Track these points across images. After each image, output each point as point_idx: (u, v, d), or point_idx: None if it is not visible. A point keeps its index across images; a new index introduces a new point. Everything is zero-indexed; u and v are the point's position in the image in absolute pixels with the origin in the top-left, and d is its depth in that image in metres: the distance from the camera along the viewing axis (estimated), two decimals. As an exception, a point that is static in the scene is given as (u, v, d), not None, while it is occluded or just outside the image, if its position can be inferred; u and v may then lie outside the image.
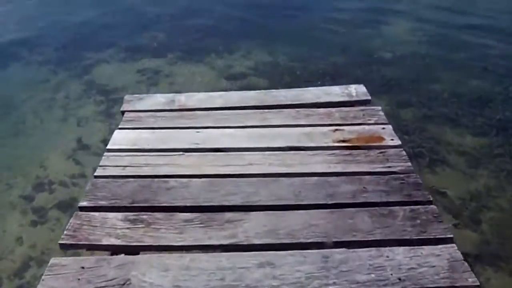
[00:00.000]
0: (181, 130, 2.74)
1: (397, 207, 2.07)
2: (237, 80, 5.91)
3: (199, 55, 6.74)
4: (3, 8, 9.01)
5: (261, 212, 2.06)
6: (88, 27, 7.86)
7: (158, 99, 3.11)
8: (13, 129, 5.15)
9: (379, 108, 2.95)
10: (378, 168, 2.35)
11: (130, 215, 2.05)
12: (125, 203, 2.13)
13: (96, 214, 2.06)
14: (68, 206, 3.75)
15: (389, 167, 2.35)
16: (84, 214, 2.06)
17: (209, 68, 6.32)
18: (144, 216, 2.04)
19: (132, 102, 3.09)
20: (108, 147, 2.59)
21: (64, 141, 4.77)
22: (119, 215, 2.05)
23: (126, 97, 3.18)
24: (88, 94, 5.73)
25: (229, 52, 6.85)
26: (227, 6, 8.84)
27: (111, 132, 2.95)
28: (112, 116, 5.15)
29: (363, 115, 2.85)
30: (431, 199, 2.15)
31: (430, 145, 4.53)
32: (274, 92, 3.19)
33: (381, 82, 5.74)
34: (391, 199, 2.13)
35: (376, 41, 7.11)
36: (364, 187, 2.20)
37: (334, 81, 5.75)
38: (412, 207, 2.07)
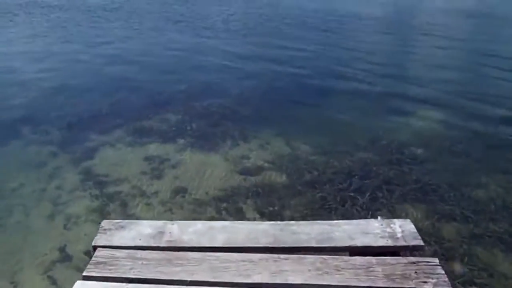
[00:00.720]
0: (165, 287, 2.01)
1: None
2: (252, 176, 5.25)
3: (212, 142, 6.20)
4: (13, 85, 8.84)
5: None
6: (98, 105, 7.51)
7: (142, 229, 2.41)
8: (-6, 225, 4.52)
9: (436, 261, 2.17)
10: None
11: None
12: None
13: None
14: None
15: None
16: None
17: (222, 158, 5.71)
18: None
19: (109, 233, 2.40)
20: (61, 314, 1.87)
21: (45, 247, 4.09)
22: None
23: (103, 223, 2.49)
24: (83, 186, 5.13)
25: (245, 140, 6.29)
26: (245, 87, 8.50)
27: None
28: (105, 216, 4.48)
29: (416, 272, 2.09)
30: None
31: (482, 279, 3.66)
32: (293, 225, 2.47)
33: (415, 186, 5.00)
34: None
35: (405, 134, 6.49)
36: None
37: (361, 182, 5.07)
38: None
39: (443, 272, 2.10)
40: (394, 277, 2.07)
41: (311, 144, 6.10)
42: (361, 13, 19.76)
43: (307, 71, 9.67)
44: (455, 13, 20.28)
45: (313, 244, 2.31)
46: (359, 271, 2.11)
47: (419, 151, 5.93)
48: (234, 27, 15.71)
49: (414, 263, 2.16)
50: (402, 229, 2.41)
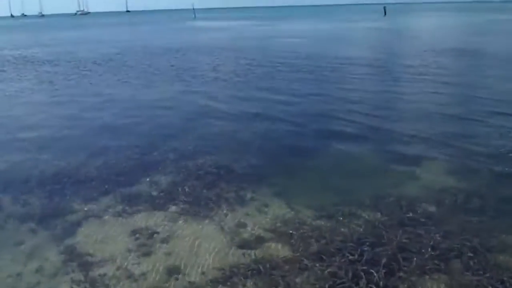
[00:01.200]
0: None
1: None
2: (252, 250, 4.72)
3: (207, 207, 5.71)
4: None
5: None
6: (83, 169, 7.06)
7: None
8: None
9: None
10: None
11: None
12: None
13: None
14: None
15: None
16: None
17: (218, 228, 5.20)
18: None
19: None
20: None
21: None
22: None
23: None
24: (65, 269, 4.56)
25: (242, 203, 5.83)
26: (239, 143, 8.14)
27: None
28: (87, 309, 3.93)
29: None
30: None
31: None
32: None
33: (434, 253, 4.50)
34: None
35: (413, 189, 6.08)
36: None
37: (373, 250, 4.58)
38: None
39: None
40: None
41: (313, 205, 5.64)
42: (353, 57, 19.98)
43: (302, 123, 9.37)
44: (447, 53, 20.55)
45: None
46: None
47: (432, 208, 5.49)
48: (224, 76, 15.63)
49: None
50: None
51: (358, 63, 18.25)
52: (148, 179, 6.67)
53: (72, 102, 11.83)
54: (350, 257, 4.48)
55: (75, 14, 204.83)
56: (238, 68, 17.70)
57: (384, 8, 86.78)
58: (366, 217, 5.34)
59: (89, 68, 18.94)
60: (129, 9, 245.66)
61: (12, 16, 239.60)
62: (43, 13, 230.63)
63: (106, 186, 6.46)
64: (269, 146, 8.03)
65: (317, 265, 4.40)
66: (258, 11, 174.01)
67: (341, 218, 5.31)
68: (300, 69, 17.12)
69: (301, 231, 5.06)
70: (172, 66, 18.86)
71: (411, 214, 5.34)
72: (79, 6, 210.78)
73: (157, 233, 5.15)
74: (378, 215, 5.37)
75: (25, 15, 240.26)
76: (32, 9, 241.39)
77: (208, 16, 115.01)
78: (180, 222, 5.39)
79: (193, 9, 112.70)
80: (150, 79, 15.43)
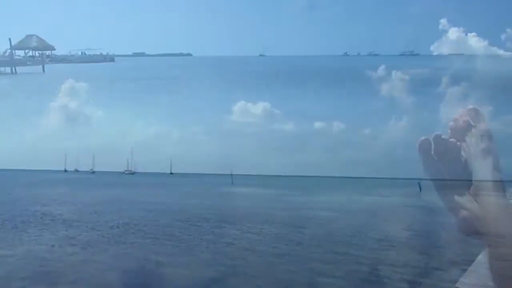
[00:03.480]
0: None
1: None
2: None
3: None
4: None
5: None
6: None
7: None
8: None
9: None
10: None
11: None
12: None
13: None
14: None
15: None
16: None
17: None
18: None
19: None
20: None
21: None
22: None
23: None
24: None
25: None
26: None
27: None
28: None
29: None
30: None
31: None
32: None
33: None
34: None
35: None
36: None
37: None
38: None
39: None
40: None
41: None
42: (394, 239, 17.86)
43: None
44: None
45: None
46: None
47: None
48: (241, 263, 13.65)
49: None
50: None
51: (400, 248, 15.98)
52: None
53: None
54: None
55: (123, 172, 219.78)
56: (260, 245, 15.83)
57: (419, 184, 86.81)
58: None
59: (104, 233, 17.65)
60: (172, 172, 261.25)
61: (65, 171, 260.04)
62: (94, 169, 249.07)
63: None
64: None
65: None
66: (292, 180, 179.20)
67: None
68: (333, 249, 15.03)
69: None
70: (190, 236, 17.28)
71: None
72: (127, 166, 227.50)
73: None
74: None
75: (78, 171, 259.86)
76: (86, 166, 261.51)
77: (244, 182, 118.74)
78: None
79: (231, 175, 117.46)
80: (155, 260, 13.65)
